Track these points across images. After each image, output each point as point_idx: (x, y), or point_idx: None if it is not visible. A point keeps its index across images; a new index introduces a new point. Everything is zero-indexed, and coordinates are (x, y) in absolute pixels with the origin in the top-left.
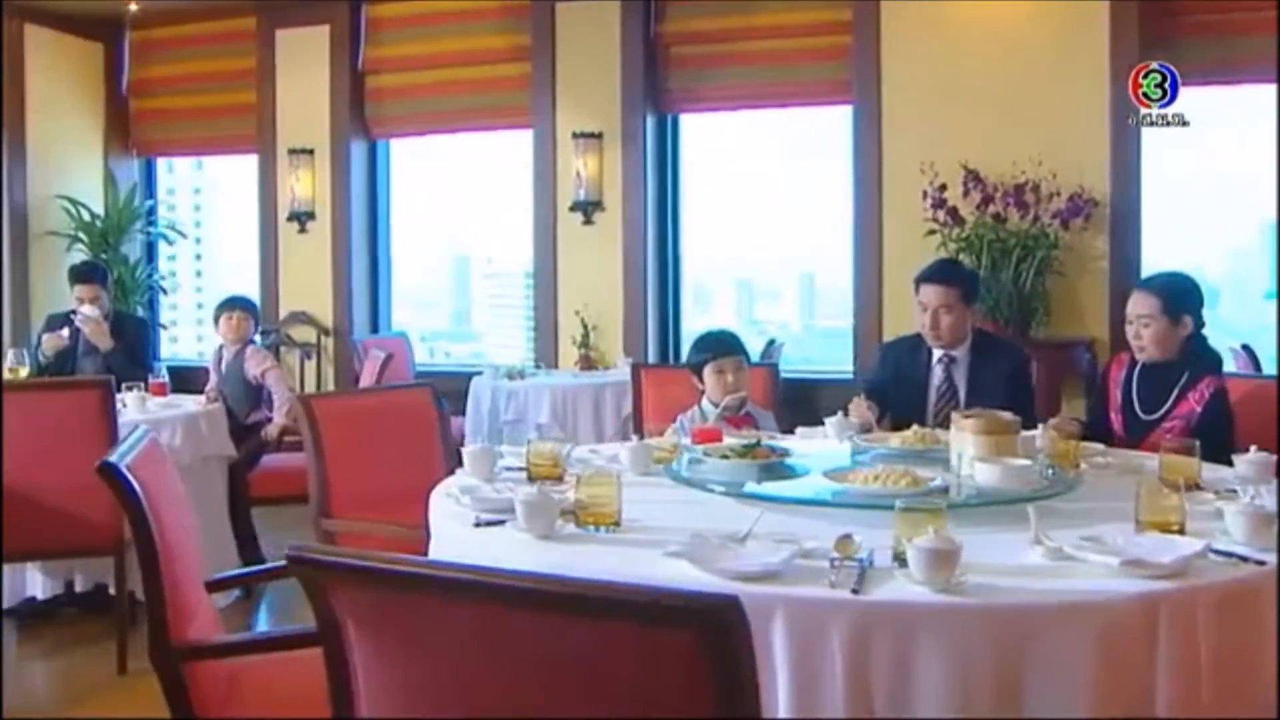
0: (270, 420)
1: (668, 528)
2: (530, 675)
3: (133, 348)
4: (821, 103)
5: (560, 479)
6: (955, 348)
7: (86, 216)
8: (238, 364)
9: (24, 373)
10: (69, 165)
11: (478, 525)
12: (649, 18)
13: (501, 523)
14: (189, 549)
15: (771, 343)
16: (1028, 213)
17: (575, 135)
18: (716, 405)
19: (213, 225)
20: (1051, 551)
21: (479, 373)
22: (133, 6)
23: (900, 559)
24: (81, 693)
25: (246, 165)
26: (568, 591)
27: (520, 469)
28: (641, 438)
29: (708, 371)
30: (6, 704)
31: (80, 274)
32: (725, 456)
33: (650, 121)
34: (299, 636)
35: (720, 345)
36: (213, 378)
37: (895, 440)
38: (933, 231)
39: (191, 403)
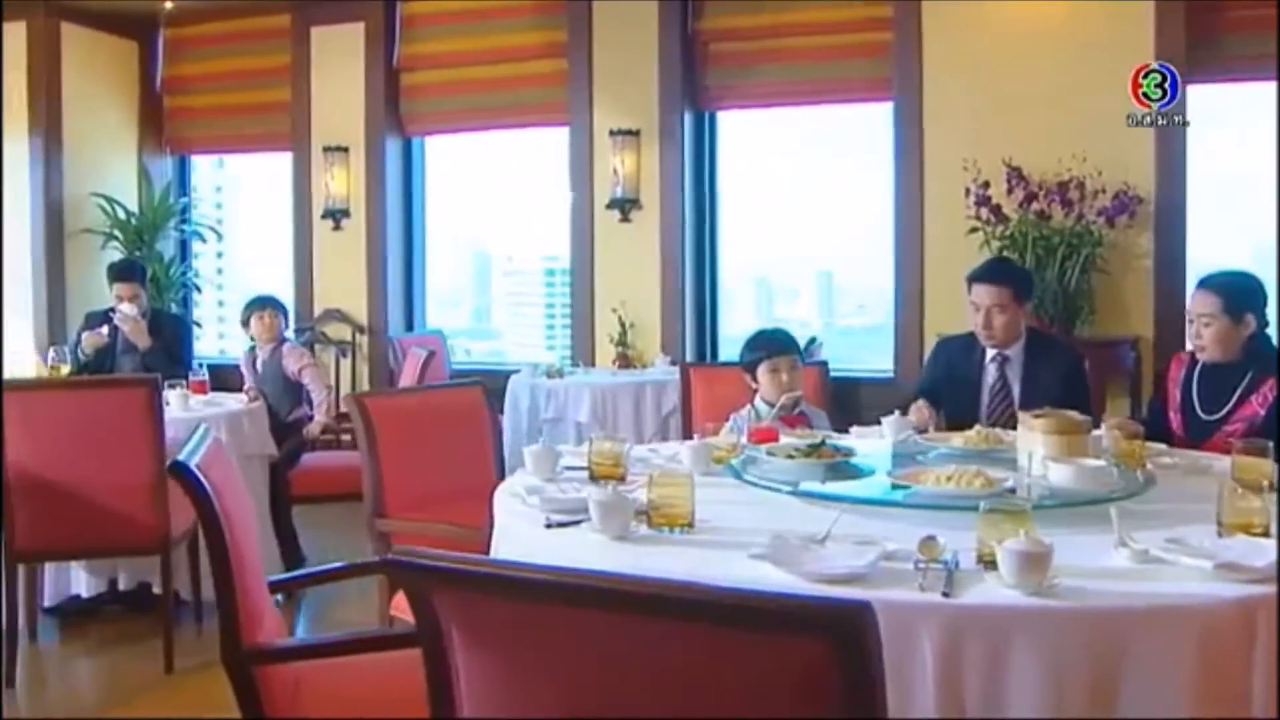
0: (311, 418)
1: (740, 528)
2: (643, 683)
3: (171, 346)
4: (860, 100)
5: (623, 479)
6: (1009, 347)
7: (121, 214)
8: (275, 362)
9: (65, 370)
10: (104, 163)
11: (549, 526)
12: (686, 14)
13: (574, 524)
14: (255, 550)
15: (812, 341)
16: (1072, 210)
17: (613, 132)
18: (771, 404)
19: (233, 223)
20: (1137, 554)
21: (515, 370)
22: (168, 4)
23: (986, 561)
24: (129, 692)
25: (268, 162)
26: (691, 597)
27: (581, 469)
28: (691, 437)
29: (762, 370)
30: (51, 702)
31: (120, 271)
32: (790, 456)
33: (688, 119)
34: (372, 639)
35: (774, 344)
36: (247, 378)
37: (958, 440)
38: (975, 229)
39: (233, 401)
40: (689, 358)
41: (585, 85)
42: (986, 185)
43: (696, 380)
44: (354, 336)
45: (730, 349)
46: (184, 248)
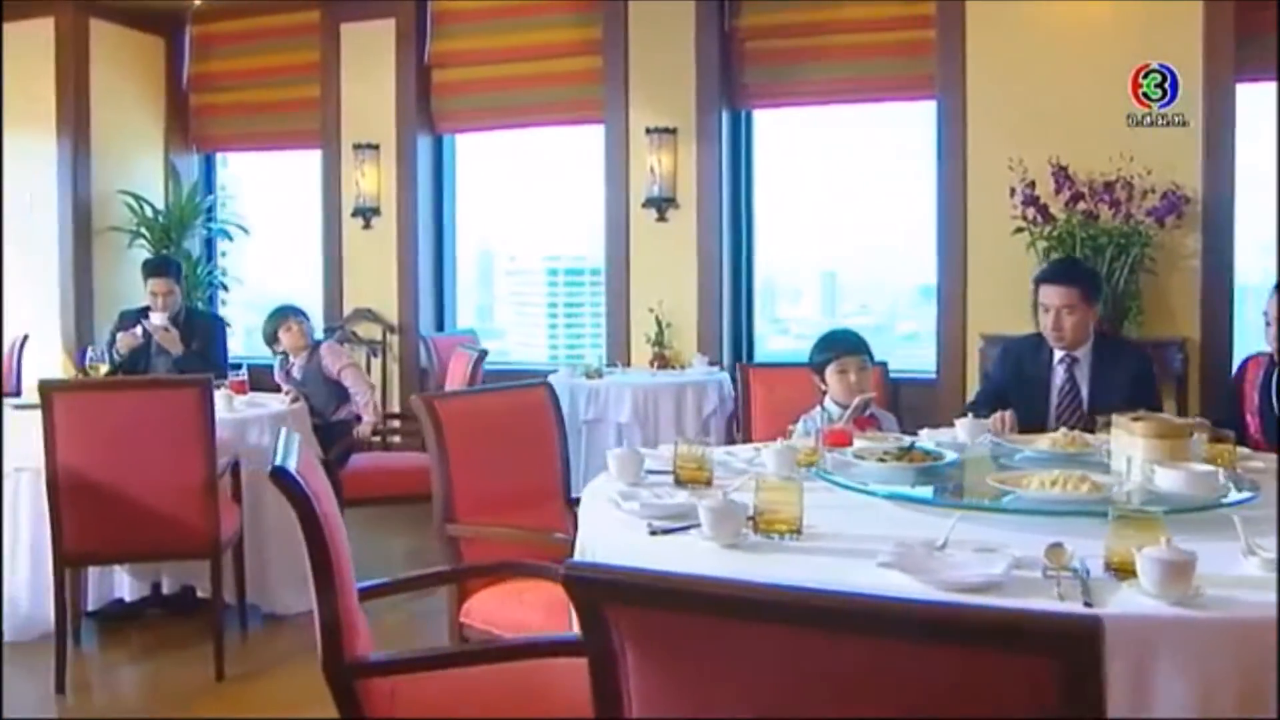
0: (358, 418)
1: (846, 534)
2: (836, 703)
3: (206, 349)
4: (900, 98)
5: (708, 483)
6: (1077, 348)
7: (149, 212)
8: (314, 366)
9: (103, 370)
10: (130, 160)
11: (654, 534)
12: (724, 11)
13: (678, 530)
14: (348, 558)
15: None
16: (1119, 210)
17: (649, 130)
18: (841, 406)
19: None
20: (1267, 562)
21: (526, 370)
22: (195, 1)
23: (1117, 569)
24: (180, 699)
25: (279, 161)
26: (899, 613)
27: (664, 472)
28: (749, 440)
29: (831, 371)
30: (100, 709)
31: (154, 268)
32: (882, 460)
33: (725, 117)
34: (479, 652)
35: (844, 344)
36: (285, 386)
37: (1044, 443)
38: (1021, 229)
39: (275, 401)
40: (726, 358)
41: (621, 83)
42: (1033, 185)
43: (755, 382)
44: (384, 336)
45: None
46: (209, 246)
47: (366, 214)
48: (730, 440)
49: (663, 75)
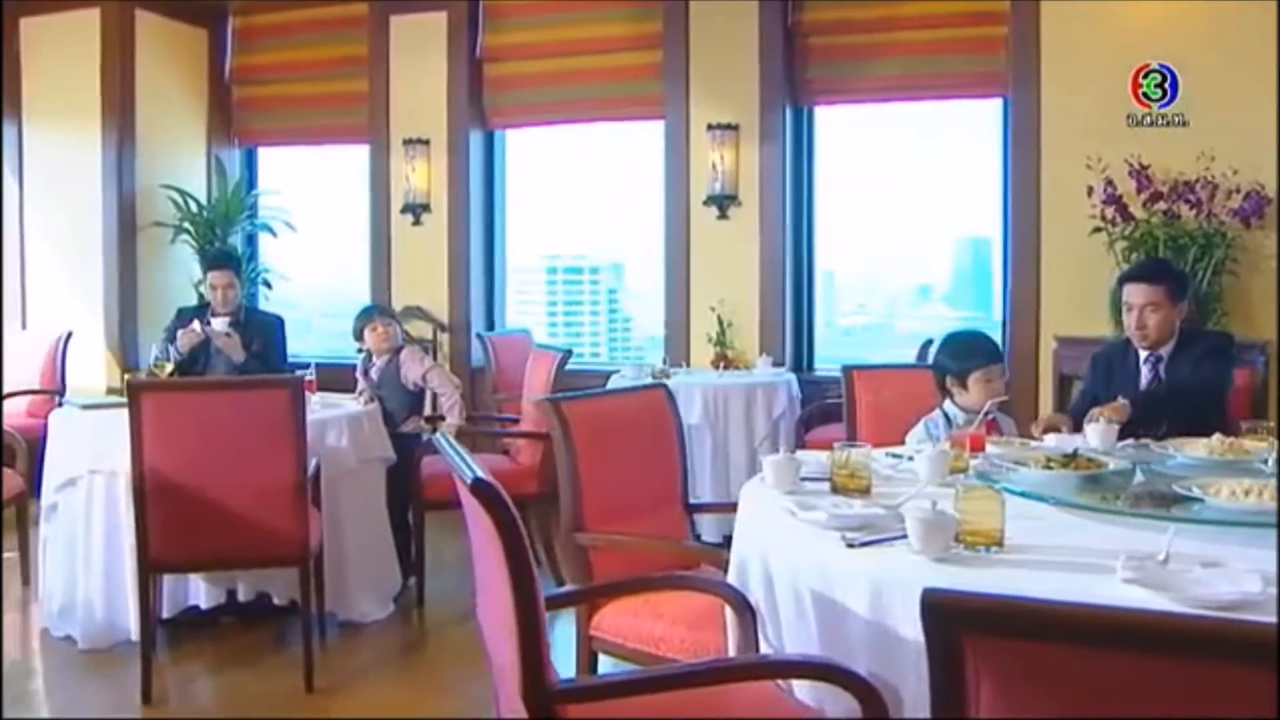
0: (440, 418)
1: (1042, 545)
2: None
3: (266, 352)
4: (967, 96)
5: (866, 491)
6: (1162, 347)
7: (193, 207)
8: (392, 369)
9: (168, 368)
10: (173, 154)
11: (851, 546)
12: (787, 6)
13: (878, 543)
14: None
15: (929, 343)
16: (1200, 210)
17: (710, 127)
18: (966, 410)
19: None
20: None
21: (613, 371)
22: None
23: None
24: (271, 710)
25: (318, 155)
26: None
27: (818, 479)
28: (855, 444)
29: (976, 378)
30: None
31: (216, 259)
32: (1048, 466)
33: (788, 114)
34: (691, 675)
35: (990, 351)
36: (361, 384)
37: (1199, 449)
38: (1099, 229)
39: (349, 402)
40: (788, 359)
41: (681, 78)
42: (1114, 184)
43: (861, 385)
44: (435, 334)
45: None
46: (250, 242)
47: (416, 210)
48: (800, 444)
49: (724, 70)
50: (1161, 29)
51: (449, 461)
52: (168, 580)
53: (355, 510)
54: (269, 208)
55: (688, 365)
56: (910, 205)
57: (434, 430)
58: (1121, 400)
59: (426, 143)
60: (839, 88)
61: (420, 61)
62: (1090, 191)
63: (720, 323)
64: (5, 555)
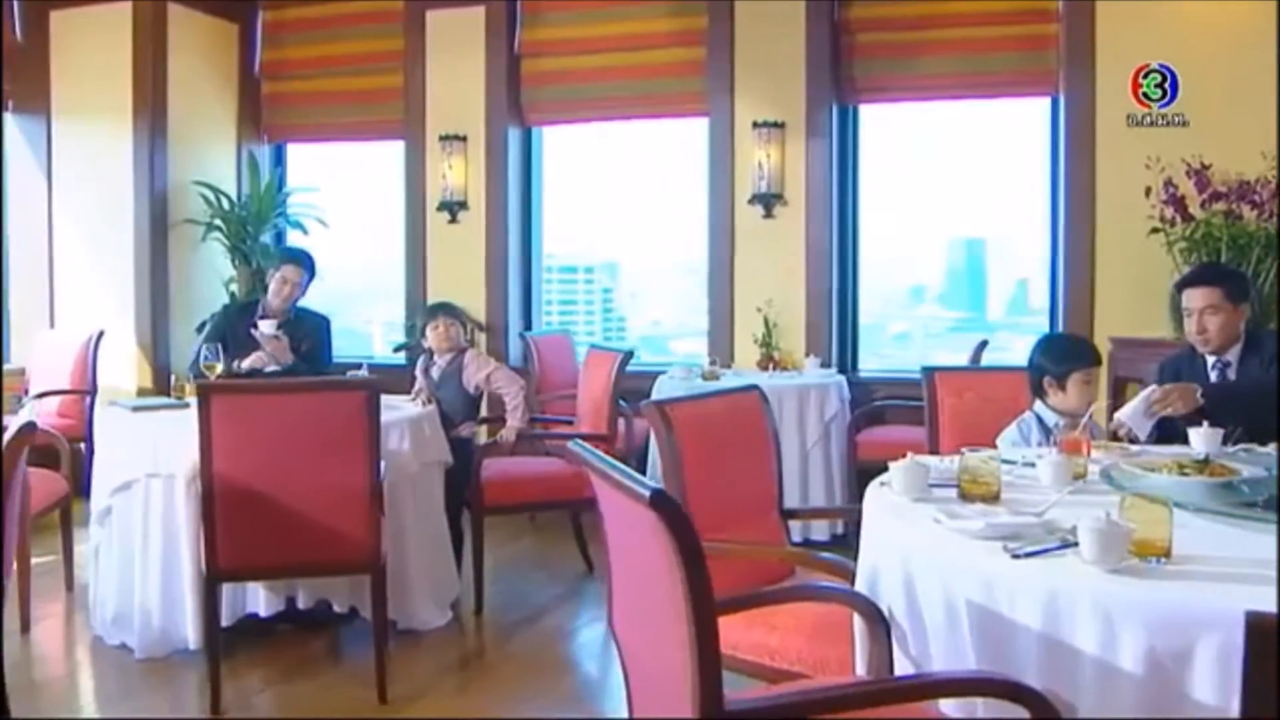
0: (501, 420)
1: (1209, 556)
2: None
3: (313, 353)
4: (1016, 94)
5: (996, 497)
6: (1227, 351)
7: (225, 204)
8: (453, 370)
9: (218, 369)
10: (203, 150)
11: (1016, 557)
12: (833, 2)
13: (1044, 553)
14: None
15: (984, 345)
16: (1263, 210)
17: (756, 124)
18: (1062, 413)
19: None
20: None
21: (660, 371)
22: None
23: None
24: None
25: (346, 152)
26: None
27: (946, 485)
28: (936, 450)
29: (1075, 379)
30: None
31: (294, 254)
32: (1183, 473)
33: (834, 111)
34: (860, 694)
35: (1093, 354)
36: (420, 382)
37: None
38: (1157, 229)
39: (405, 404)
40: (834, 360)
41: (726, 75)
42: (1174, 184)
43: (943, 388)
44: (472, 334)
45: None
46: (278, 240)
47: (453, 208)
48: (853, 447)
49: (770, 67)
50: (1217, 26)
51: (595, 471)
52: (226, 587)
53: (416, 515)
54: (300, 204)
55: (732, 366)
56: (904, 205)
57: (494, 435)
58: (1193, 384)
59: (464, 139)
60: (884, 86)
61: (457, 57)
62: (1148, 191)
63: (766, 323)
64: (43, 560)
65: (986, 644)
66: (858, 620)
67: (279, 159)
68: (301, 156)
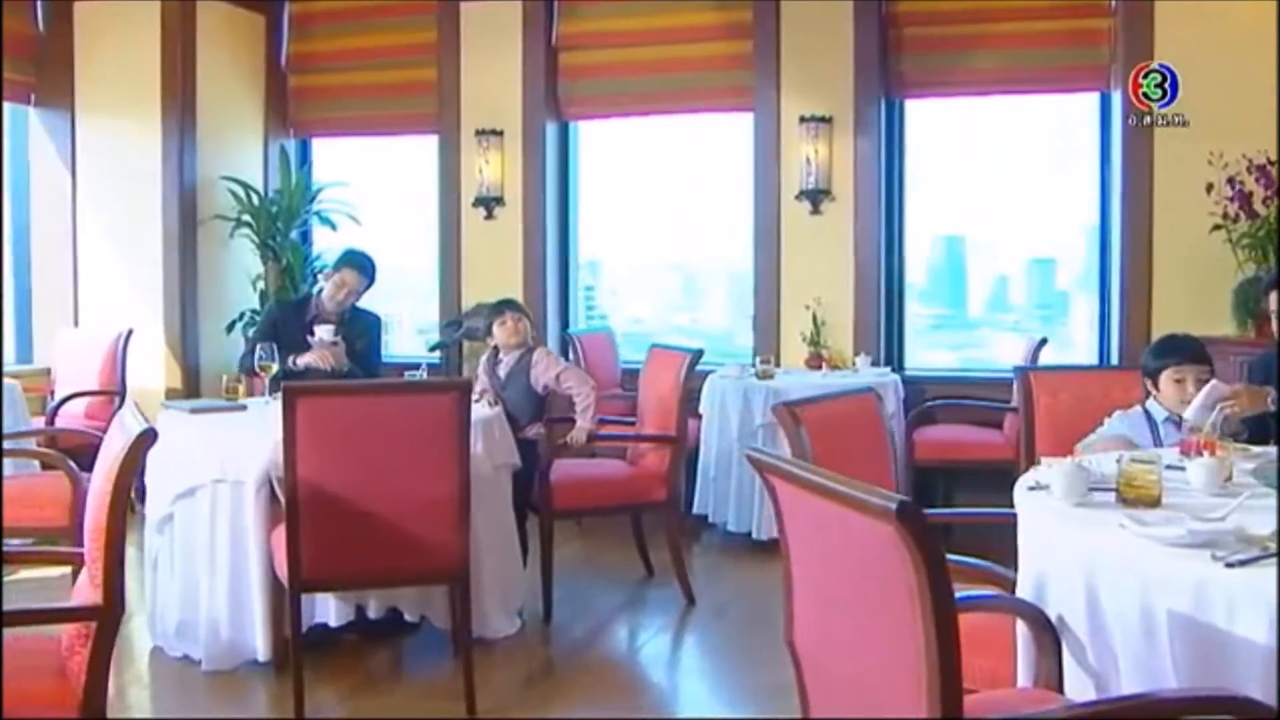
0: (571, 421)
1: None
2: None
3: (365, 356)
4: (1066, 90)
5: (1157, 502)
6: None
7: (255, 200)
8: (521, 369)
9: (274, 370)
10: (231, 145)
11: (1230, 566)
12: None
13: (1253, 561)
14: None
15: (1043, 342)
16: None
17: (803, 119)
18: (1169, 410)
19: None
20: None
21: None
22: None
23: None
24: None
25: (374, 147)
26: None
27: (1104, 489)
28: (1032, 453)
29: (1167, 376)
30: None
31: (355, 260)
32: None
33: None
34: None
35: (1186, 351)
36: (483, 380)
37: None
38: (1219, 226)
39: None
40: (884, 360)
41: (772, 69)
42: (1240, 180)
43: (1039, 387)
44: (483, 337)
45: None
46: (304, 237)
47: (489, 204)
48: (910, 447)
49: (816, 61)
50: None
51: (805, 483)
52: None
53: (488, 520)
54: (329, 200)
55: (779, 365)
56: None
57: (560, 436)
58: (1268, 388)
59: (500, 134)
60: (932, 80)
61: (493, 50)
62: (1210, 188)
63: (815, 321)
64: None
65: (1193, 656)
66: (1021, 629)
67: (305, 154)
68: (327, 151)
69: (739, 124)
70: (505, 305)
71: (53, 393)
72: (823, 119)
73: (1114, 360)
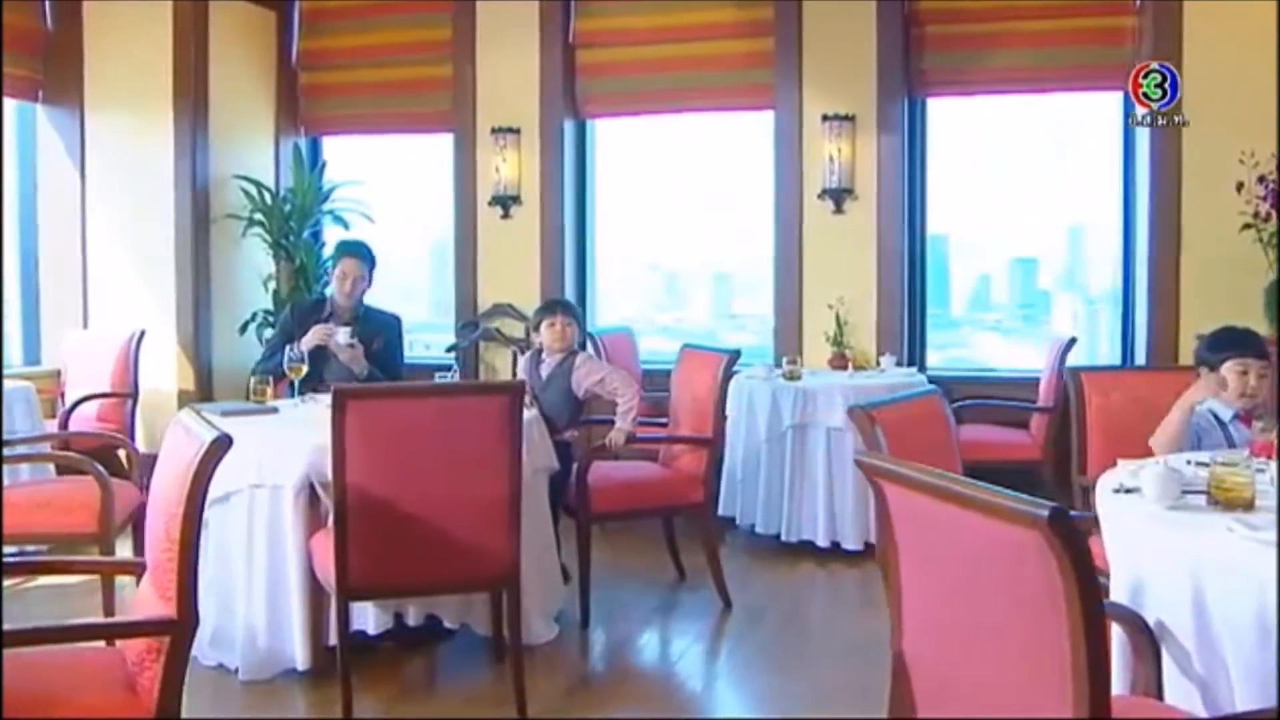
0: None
1: None
2: None
3: (387, 350)
4: (1090, 88)
5: (1249, 505)
6: None
7: (267, 199)
8: (563, 372)
9: (304, 371)
10: (242, 143)
11: None
12: None
13: None
14: None
15: (1073, 342)
16: None
17: (826, 118)
18: (1230, 405)
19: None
20: None
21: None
22: None
23: None
24: None
25: (382, 145)
26: None
27: (1196, 492)
28: (1085, 455)
29: (1230, 368)
30: None
31: (351, 248)
32: None
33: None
34: None
35: (1246, 344)
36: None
37: None
38: (1249, 225)
39: None
40: (908, 360)
41: (794, 67)
42: (1267, 179)
43: (1090, 388)
44: (528, 333)
45: None
46: (316, 236)
47: (506, 202)
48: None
49: (839, 59)
50: None
51: (937, 490)
52: (334, 603)
53: (528, 524)
54: (346, 199)
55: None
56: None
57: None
58: None
59: (517, 132)
60: (955, 79)
61: (510, 47)
62: (1240, 187)
63: (839, 321)
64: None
65: None
66: (1117, 635)
67: (314, 152)
68: (337, 149)
69: (754, 123)
70: (557, 307)
71: (63, 395)
72: (846, 117)
73: (1139, 361)
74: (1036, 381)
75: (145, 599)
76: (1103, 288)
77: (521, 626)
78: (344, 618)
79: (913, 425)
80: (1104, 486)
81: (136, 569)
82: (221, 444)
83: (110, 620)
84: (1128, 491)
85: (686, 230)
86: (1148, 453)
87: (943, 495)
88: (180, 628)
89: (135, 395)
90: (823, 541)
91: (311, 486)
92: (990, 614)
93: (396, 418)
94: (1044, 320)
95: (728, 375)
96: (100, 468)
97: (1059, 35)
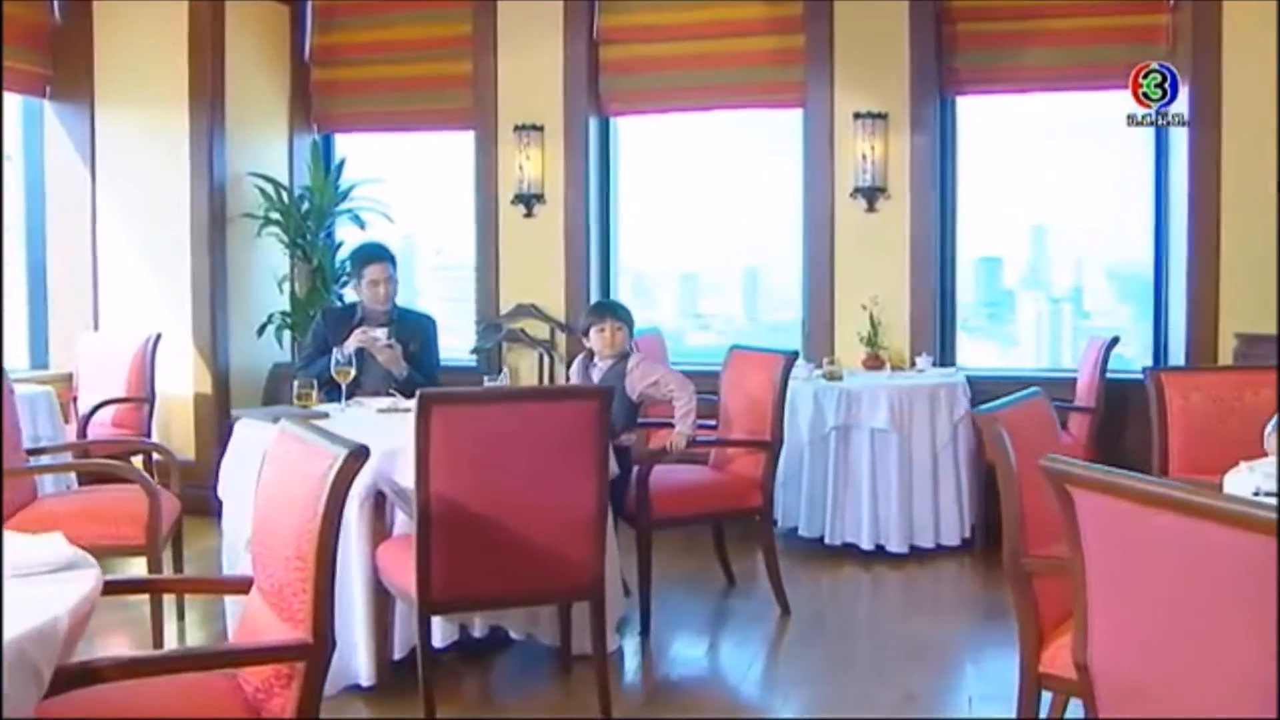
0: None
1: None
2: None
3: (423, 352)
4: (1123, 87)
5: None
6: None
7: (284, 197)
8: (614, 375)
9: (351, 375)
10: (257, 140)
11: None
12: None
13: None
14: None
15: (1115, 341)
16: None
17: (858, 116)
18: None
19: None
20: None
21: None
22: None
23: None
24: None
25: (395, 143)
26: None
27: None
28: (1165, 456)
29: None
30: None
31: (373, 253)
32: None
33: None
34: None
35: None
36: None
37: None
38: None
39: None
40: (939, 360)
41: (825, 64)
42: None
43: (1171, 389)
44: (552, 334)
45: None
46: (329, 236)
47: (529, 201)
48: (979, 447)
49: (870, 57)
50: None
51: (1136, 493)
52: (398, 616)
53: None
54: (366, 197)
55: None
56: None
57: (666, 444)
58: None
59: (540, 129)
60: (987, 77)
61: (532, 43)
62: None
63: (872, 320)
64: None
65: None
66: None
67: (327, 150)
68: (351, 147)
69: (777, 121)
70: (607, 311)
71: (75, 399)
72: (879, 115)
73: (1173, 361)
74: (1072, 382)
75: (262, 622)
76: (1139, 286)
77: (581, 635)
78: (425, 632)
79: (1030, 427)
80: (1233, 489)
81: (245, 588)
82: (359, 456)
83: (243, 647)
84: (1268, 495)
85: (711, 229)
86: (1230, 453)
87: (1155, 502)
88: (316, 651)
89: (152, 399)
90: (866, 544)
91: (377, 494)
92: (1209, 627)
93: (483, 423)
94: (1009, 319)
95: (786, 376)
96: (148, 476)
97: (1092, 33)
